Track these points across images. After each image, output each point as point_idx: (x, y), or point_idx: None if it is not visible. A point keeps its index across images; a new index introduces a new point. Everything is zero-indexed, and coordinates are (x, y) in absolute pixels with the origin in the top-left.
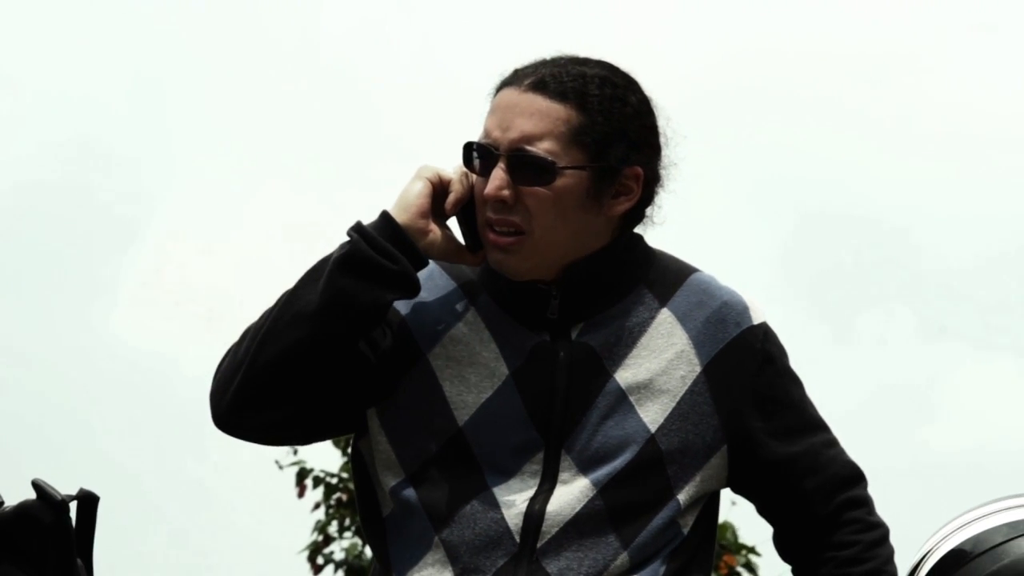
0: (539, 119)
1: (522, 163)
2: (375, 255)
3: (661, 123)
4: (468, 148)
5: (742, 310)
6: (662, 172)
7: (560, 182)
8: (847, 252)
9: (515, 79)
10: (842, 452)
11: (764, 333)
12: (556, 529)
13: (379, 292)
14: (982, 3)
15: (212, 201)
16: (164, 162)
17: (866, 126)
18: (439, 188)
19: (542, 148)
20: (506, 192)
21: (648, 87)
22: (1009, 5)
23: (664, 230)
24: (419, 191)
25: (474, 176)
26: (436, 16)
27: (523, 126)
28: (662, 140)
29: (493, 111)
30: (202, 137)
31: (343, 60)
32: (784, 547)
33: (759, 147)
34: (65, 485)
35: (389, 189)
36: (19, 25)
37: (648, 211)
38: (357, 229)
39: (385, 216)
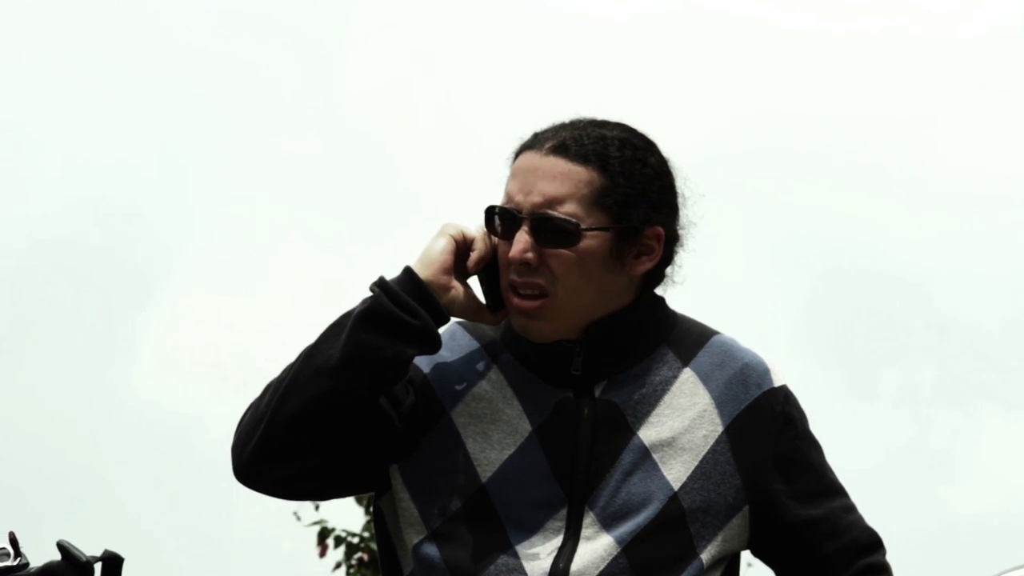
0: (561, 182)
1: (545, 226)
2: (397, 310)
3: (679, 183)
4: (490, 212)
5: (763, 372)
6: (681, 232)
7: (583, 244)
8: (868, 309)
9: (535, 143)
10: (861, 518)
11: (785, 396)
12: None
13: (401, 347)
14: (1001, 64)
15: (232, 259)
16: (183, 220)
17: (886, 184)
18: (462, 246)
19: (565, 211)
20: (530, 255)
21: (665, 148)
22: None
23: (686, 288)
24: (443, 247)
25: (496, 238)
26: (458, 76)
27: (545, 189)
28: (680, 200)
29: (515, 175)
30: (222, 196)
31: (364, 120)
32: None
33: (779, 206)
34: (86, 545)
35: (409, 247)
36: (38, 83)
37: (668, 271)
38: (380, 284)
39: (408, 271)
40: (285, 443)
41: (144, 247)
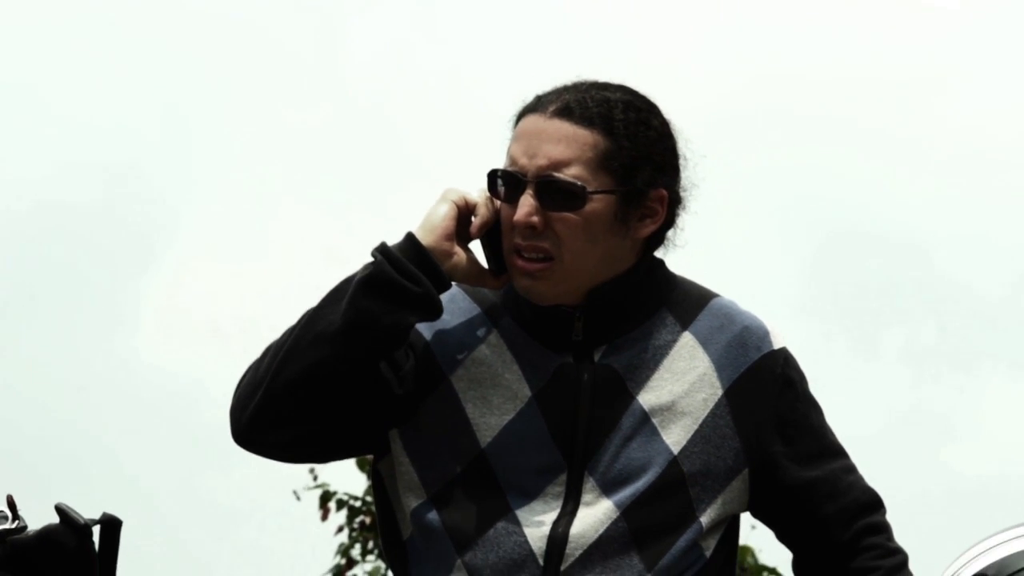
0: (566, 145)
1: (551, 189)
2: (398, 277)
3: (681, 146)
4: (493, 175)
5: (763, 335)
6: (683, 194)
7: (589, 207)
8: (871, 272)
9: (539, 106)
10: (861, 478)
11: (784, 358)
12: (580, 552)
13: (402, 314)
14: (1006, 26)
15: (235, 224)
16: (186, 185)
17: (889, 148)
18: (464, 211)
19: (570, 174)
20: (536, 218)
21: (667, 111)
22: None
23: (691, 251)
24: (444, 213)
25: (499, 202)
26: (461, 43)
27: (551, 152)
28: (682, 162)
29: (518, 138)
30: (226, 160)
31: (368, 85)
32: (804, 573)
33: (783, 170)
34: (88, 509)
35: (412, 213)
36: (41, 45)
37: (669, 233)
38: (382, 250)
39: (410, 237)
40: (284, 408)
41: (147, 211)
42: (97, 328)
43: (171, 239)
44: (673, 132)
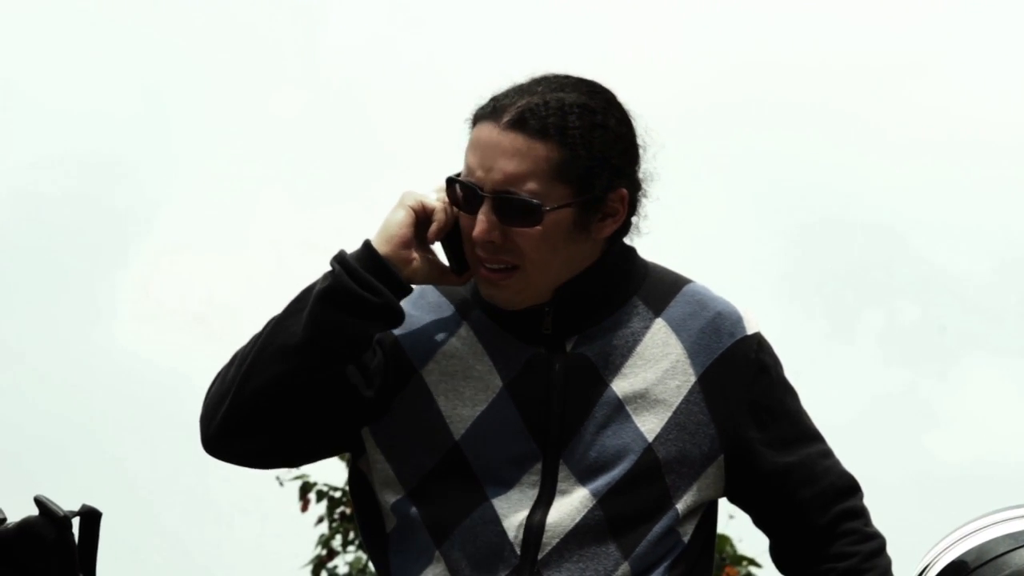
0: (520, 159)
1: (508, 205)
2: (357, 288)
3: (640, 134)
4: (451, 183)
5: (736, 320)
6: (644, 183)
7: (548, 220)
8: (851, 257)
9: (493, 114)
10: (837, 463)
11: (758, 343)
12: (556, 540)
13: (362, 325)
14: (986, 11)
15: (214, 213)
16: (164, 174)
17: (869, 132)
18: (422, 216)
19: (527, 189)
20: (495, 234)
21: (623, 99)
22: (1015, 11)
23: (669, 238)
24: (401, 221)
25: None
26: (439, 30)
27: (506, 167)
28: (642, 152)
29: (474, 147)
30: (203, 149)
31: (345, 74)
32: (781, 558)
33: (761, 156)
34: (72, 501)
35: (389, 204)
36: (17, 33)
37: (633, 220)
38: (340, 260)
39: (367, 247)
40: (251, 419)
41: (125, 201)
42: (76, 318)
43: (149, 228)
44: (631, 124)
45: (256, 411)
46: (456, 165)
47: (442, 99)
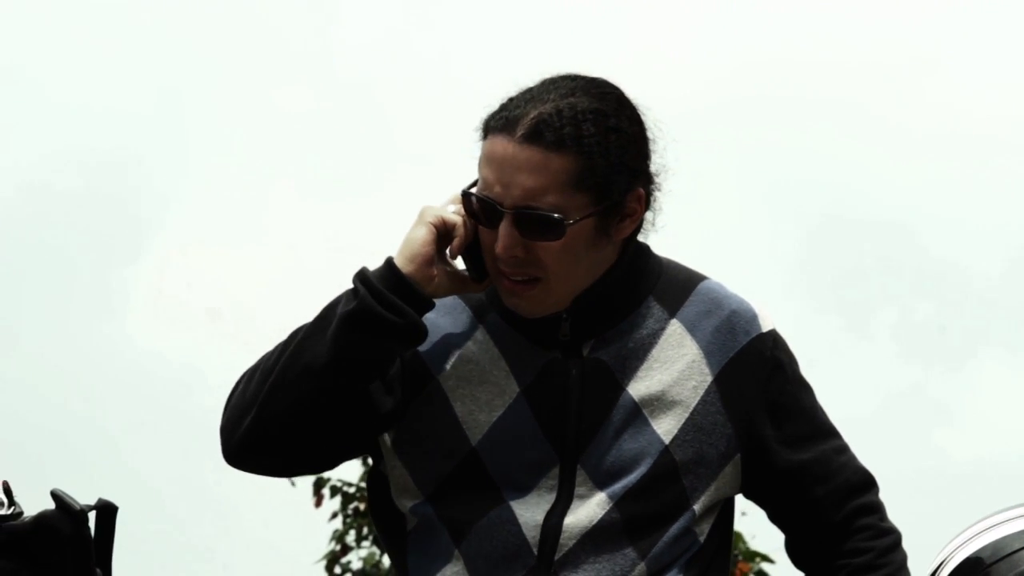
0: (539, 174)
1: (529, 220)
2: (383, 311)
3: (651, 130)
4: (468, 197)
5: (751, 318)
6: (656, 179)
7: (569, 232)
8: (865, 254)
9: (507, 127)
10: (853, 458)
11: (773, 340)
12: (573, 542)
13: (387, 346)
14: (997, 8)
15: (225, 208)
16: (177, 169)
17: (884, 129)
18: (443, 232)
19: (547, 203)
20: (518, 249)
21: (631, 94)
22: None
23: (685, 235)
24: (423, 239)
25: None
26: (453, 26)
27: (524, 182)
28: (653, 147)
29: (489, 161)
30: (215, 145)
31: (359, 70)
32: (796, 554)
33: (775, 152)
34: (85, 495)
35: (402, 198)
36: (35, 31)
37: (648, 216)
38: (363, 280)
39: (391, 266)
40: (274, 437)
41: (138, 196)
42: (88, 313)
43: (162, 223)
44: (642, 121)
45: (280, 429)
46: (468, 162)
47: (454, 94)
